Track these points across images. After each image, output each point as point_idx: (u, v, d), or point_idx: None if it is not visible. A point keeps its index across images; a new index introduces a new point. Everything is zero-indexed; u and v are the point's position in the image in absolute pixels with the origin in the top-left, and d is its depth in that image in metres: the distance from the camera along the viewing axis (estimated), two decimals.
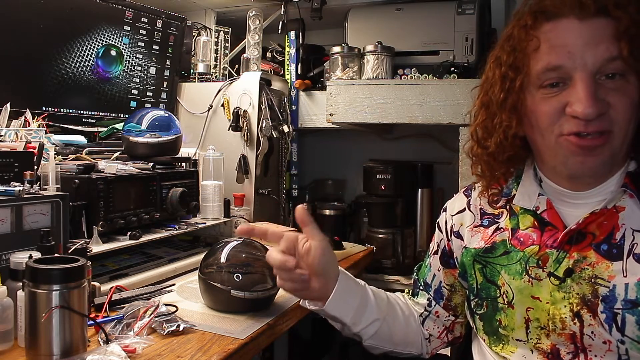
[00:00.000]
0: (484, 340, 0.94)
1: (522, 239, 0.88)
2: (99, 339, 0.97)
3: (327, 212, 2.27)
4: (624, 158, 0.82)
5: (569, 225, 0.83)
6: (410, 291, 1.13)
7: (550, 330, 0.82)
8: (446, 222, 1.05)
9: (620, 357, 0.76)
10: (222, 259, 1.17)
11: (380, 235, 2.09)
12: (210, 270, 1.17)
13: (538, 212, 0.87)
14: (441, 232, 1.06)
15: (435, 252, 1.07)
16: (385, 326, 1.00)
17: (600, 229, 0.80)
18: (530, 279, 0.85)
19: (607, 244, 0.79)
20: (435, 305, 1.07)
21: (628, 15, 0.75)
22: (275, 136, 1.96)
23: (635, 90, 0.77)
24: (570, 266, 0.81)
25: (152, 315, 1.03)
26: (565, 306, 0.80)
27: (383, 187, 2.08)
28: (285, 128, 2.03)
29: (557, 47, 0.79)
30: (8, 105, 1.42)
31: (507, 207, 0.93)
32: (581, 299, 0.79)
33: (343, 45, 2.01)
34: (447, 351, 1.35)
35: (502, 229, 0.92)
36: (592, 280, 0.78)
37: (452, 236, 1.02)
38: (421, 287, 1.09)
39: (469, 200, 1.01)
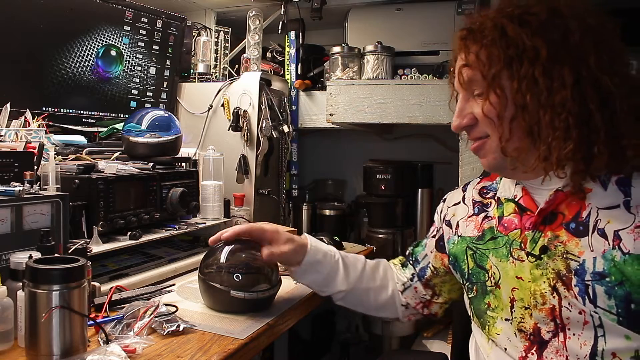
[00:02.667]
0: (476, 323, 1.01)
1: (506, 225, 0.95)
2: (99, 339, 0.97)
3: (327, 212, 2.27)
4: (557, 158, 0.85)
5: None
6: (402, 262, 1.25)
7: (532, 307, 0.88)
8: (442, 211, 1.15)
9: (596, 331, 0.81)
10: (222, 259, 1.17)
11: (380, 235, 2.09)
12: (210, 270, 1.17)
13: (516, 199, 0.95)
14: (439, 219, 1.16)
15: (433, 236, 1.17)
16: (353, 296, 1.20)
17: (569, 209, 0.86)
18: (514, 261, 0.91)
19: (575, 222, 0.85)
20: (416, 281, 1.20)
21: (478, 43, 0.88)
22: (275, 136, 1.96)
23: (502, 102, 0.86)
24: (545, 244, 0.87)
25: (152, 316, 1.03)
26: (544, 282, 0.86)
27: (383, 187, 2.08)
28: (285, 128, 2.03)
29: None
30: (8, 105, 1.42)
31: (495, 198, 1.02)
32: (556, 274, 0.85)
33: (343, 45, 2.01)
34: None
35: (490, 217, 1.00)
36: (565, 256, 0.84)
37: (444, 224, 1.13)
38: (411, 262, 1.22)
39: (465, 195, 1.11)
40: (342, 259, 1.21)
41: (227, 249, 1.19)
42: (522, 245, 0.90)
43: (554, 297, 0.85)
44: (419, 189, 2.08)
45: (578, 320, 0.82)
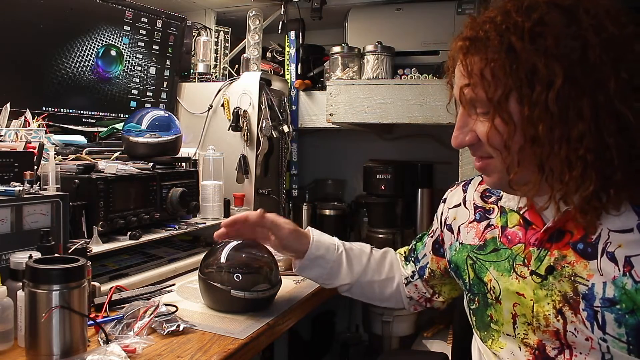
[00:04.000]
0: (478, 335, 0.97)
1: (510, 237, 0.90)
2: (99, 339, 0.97)
3: (327, 212, 2.27)
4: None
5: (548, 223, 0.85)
6: (406, 255, 1.23)
7: (535, 328, 0.84)
8: (442, 213, 1.09)
9: (603, 355, 0.77)
10: (222, 259, 1.17)
11: (380, 235, 2.09)
12: (210, 270, 1.17)
13: (521, 212, 0.89)
14: (438, 221, 1.11)
15: (431, 237, 1.14)
16: (357, 288, 1.19)
17: (577, 228, 0.80)
18: (517, 277, 0.86)
19: (583, 242, 0.80)
20: (417, 279, 1.18)
21: (482, 59, 0.77)
22: (275, 136, 1.96)
23: (510, 129, 0.76)
24: (552, 264, 0.82)
25: (152, 315, 1.04)
26: (548, 303, 0.82)
27: (383, 187, 2.08)
28: (285, 128, 2.03)
29: None
30: (8, 105, 1.42)
31: (498, 204, 0.95)
32: (563, 296, 0.80)
33: (343, 45, 2.01)
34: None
35: (493, 226, 0.94)
36: (572, 279, 0.79)
37: (445, 228, 1.07)
38: (413, 259, 1.20)
39: (465, 196, 1.04)
40: (345, 252, 1.19)
41: (227, 248, 1.19)
42: (526, 261, 0.85)
43: (558, 320, 0.80)
44: (419, 189, 2.08)
45: (584, 346, 0.79)
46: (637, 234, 0.75)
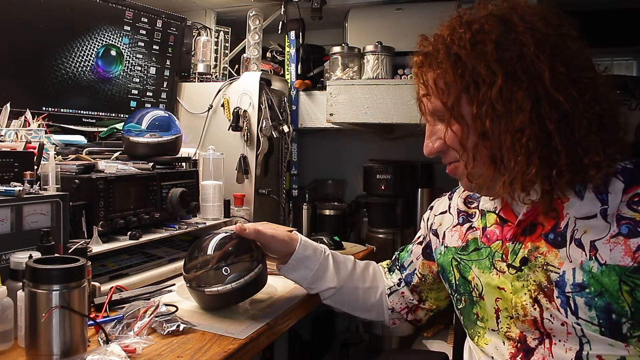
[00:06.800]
0: (467, 332, 1.01)
1: (489, 236, 0.95)
2: (99, 339, 0.97)
3: (327, 212, 2.27)
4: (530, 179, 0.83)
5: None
6: (389, 266, 1.26)
7: (515, 319, 0.88)
8: (428, 219, 1.15)
9: (580, 339, 0.81)
10: (209, 251, 1.15)
11: (380, 235, 2.09)
12: (191, 275, 1.16)
13: (497, 211, 0.95)
14: (425, 227, 1.16)
15: (420, 243, 1.18)
16: (341, 295, 1.20)
17: (547, 220, 0.86)
18: (498, 272, 0.91)
19: (554, 233, 0.84)
20: (403, 286, 1.20)
21: (434, 70, 0.87)
22: (275, 136, 1.96)
23: (464, 129, 0.84)
24: (526, 255, 0.87)
25: (152, 315, 1.03)
26: (525, 294, 0.86)
27: (383, 187, 2.08)
28: (285, 128, 2.03)
29: None
30: (8, 105, 1.42)
31: (479, 208, 1.01)
32: (538, 285, 0.84)
33: (343, 45, 2.01)
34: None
35: (474, 228, 1.00)
36: (545, 268, 0.84)
37: (431, 234, 1.13)
38: (397, 267, 1.23)
39: (450, 203, 1.10)
40: (332, 256, 1.21)
41: (212, 244, 1.17)
42: (504, 256, 0.90)
43: (535, 308, 0.84)
44: (419, 189, 2.08)
45: (561, 331, 0.82)
46: (600, 220, 0.80)
